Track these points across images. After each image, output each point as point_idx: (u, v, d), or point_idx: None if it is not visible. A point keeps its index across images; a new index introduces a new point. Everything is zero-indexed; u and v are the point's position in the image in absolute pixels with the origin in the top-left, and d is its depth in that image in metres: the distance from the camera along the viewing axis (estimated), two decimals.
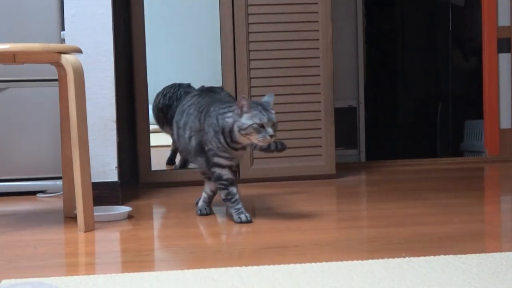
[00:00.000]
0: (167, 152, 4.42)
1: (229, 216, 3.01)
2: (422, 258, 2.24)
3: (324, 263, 2.20)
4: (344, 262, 2.21)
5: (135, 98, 4.09)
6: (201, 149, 3.03)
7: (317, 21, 4.13)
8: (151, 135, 4.14)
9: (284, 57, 4.12)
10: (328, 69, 4.13)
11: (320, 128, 4.17)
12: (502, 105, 4.88)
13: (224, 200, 3.00)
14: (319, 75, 4.13)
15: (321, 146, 4.18)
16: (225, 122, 2.91)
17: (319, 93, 4.14)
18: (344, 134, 5.00)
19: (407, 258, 2.24)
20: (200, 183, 3.25)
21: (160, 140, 4.31)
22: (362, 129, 5.15)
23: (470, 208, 3.27)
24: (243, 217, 2.94)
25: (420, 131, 7.12)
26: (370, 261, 2.22)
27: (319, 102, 4.15)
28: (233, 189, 2.97)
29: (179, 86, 4.31)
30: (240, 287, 1.96)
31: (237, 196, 2.97)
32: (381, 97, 7.02)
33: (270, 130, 2.84)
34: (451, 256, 2.26)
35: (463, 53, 6.97)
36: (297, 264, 2.18)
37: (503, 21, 4.85)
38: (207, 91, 3.24)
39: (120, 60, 4.01)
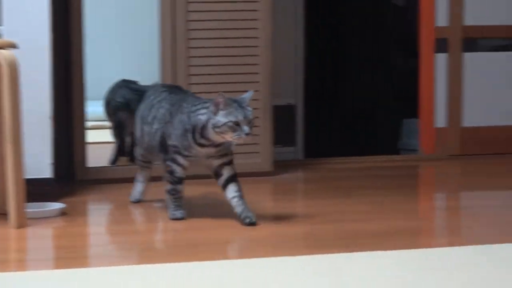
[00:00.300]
0: (105, 149, 4.38)
1: (166, 209, 2.99)
2: (355, 254, 2.26)
3: (255, 259, 2.21)
4: (277, 257, 2.23)
5: (72, 94, 4.05)
6: (162, 142, 2.98)
7: (257, 19, 4.13)
8: (89, 131, 4.10)
9: (224, 55, 4.12)
10: (267, 67, 4.15)
11: (258, 126, 4.17)
12: (438, 104, 4.94)
13: (167, 192, 2.98)
14: (258, 73, 4.15)
15: (258, 144, 4.19)
16: (197, 119, 2.86)
17: (257, 91, 4.15)
18: (283, 132, 5.02)
19: (340, 254, 2.27)
20: None
21: (97, 136, 4.28)
22: (300, 126, 5.18)
23: (404, 206, 3.32)
24: (178, 214, 2.93)
25: (359, 129, 7.18)
26: (304, 256, 2.24)
27: (258, 99, 4.15)
28: (180, 187, 2.96)
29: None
30: (171, 283, 1.96)
31: (180, 194, 2.96)
32: (322, 95, 7.07)
33: (246, 128, 2.78)
34: (382, 251, 2.29)
35: (403, 53, 7.05)
36: (228, 260, 2.19)
37: (440, 21, 4.91)
38: (175, 88, 3.22)
39: (57, 56, 3.96)
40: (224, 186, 2.92)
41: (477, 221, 2.98)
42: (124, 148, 4.35)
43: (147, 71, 4.41)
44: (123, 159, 4.32)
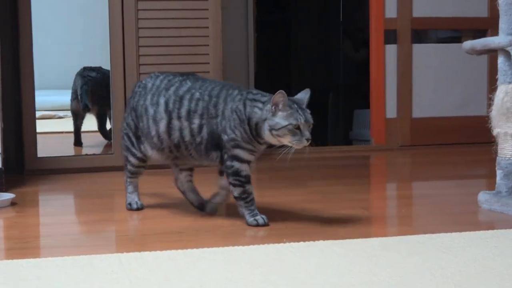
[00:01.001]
0: (56, 139, 4.36)
1: (241, 216, 2.66)
2: (301, 243, 2.29)
3: (205, 249, 2.23)
4: (225, 247, 2.24)
5: (21, 84, 4.01)
6: (213, 141, 2.64)
7: (207, 9, 4.13)
8: (38, 121, 4.07)
9: (174, 44, 4.12)
10: (218, 58, 4.16)
11: None
12: (388, 95, 5.00)
13: (236, 198, 2.64)
14: (208, 63, 4.15)
15: None
16: (253, 111, 2.55)
17: None
18: None
19: (287, 243, 2.29)
20: (91, 170, 3.21)
21: (47, 126, 4.25)
22: None
23: (353, 195, 3.35)
24: (259, 219, 2.61)
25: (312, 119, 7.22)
26: (251, 246, 2.26)
27: None
28: (249, 188, 2.64)
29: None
30: (119, 273, 1.97)
31: (252, 196, 2.64)
32: (273, 86, 7.10)
33: (307, 133, 2.52)
34: (329, 241, 2.32)
35: (354, 44, 7.12)
36: (179, 250, 2.20)
37: (390, 13, 4.96)
38: (191, 75, 2.81)
39: (5, 46, 3.92)
40: (221, 173, 2.75)
41: (426, 210, 3.03)
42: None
43: (97, 60, 4.39)
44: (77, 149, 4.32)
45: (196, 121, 2.65)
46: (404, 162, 4.67)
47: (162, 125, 2.71)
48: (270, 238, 2.39)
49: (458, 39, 5.05)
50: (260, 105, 2.56)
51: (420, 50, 5.03)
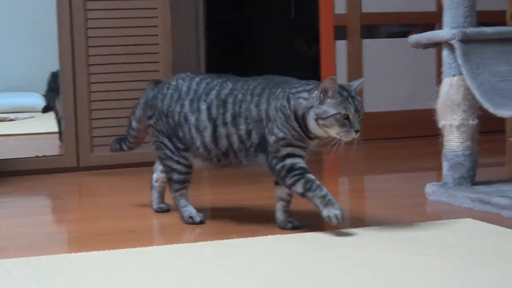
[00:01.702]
0: (7, 141, 4.32)
1: (315, 209, 2.38)
2: (250, 238, 2.31)
3: (155, 247, 2.23)
4: (174, 245, 2.25)
5: None
6: (262, 144, 2.43)
7: (156, 8, 4.13)
8: None
9: (124, 44, 4.10)
10: (168, 57, 4.15)
11: None
12: None
13: (303, 194, 2.36)
14: (158, 62, 4.14)
15: None
16: (298, 103, 2.34)
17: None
18: None
19: (236, 239, 2.31)
20: (42, 172, 3.19)
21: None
22: None
23: None
24: (333, 212, 2.30)
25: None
26: (200, 243, 2.27)
27: None
28: (310, 175, 2.36)
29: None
30: (69, 273, 1.97)
31: (318, 182, 2.36)
32: None
33: (356, 124, 2.32)
34: (279, 235, 2.35)
35: (306, 41, 7.16)
36: (128, 249, 2.20)
37: (339, 9, 5.00)
38: (229, 76, 2.59)
39: None
40: (278, 183, 2.48)
41: (377, 203, 3.06)
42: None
43: (48, 62, 4.36)
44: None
45: (243, 127, 2.44)
46: (356, 156, 4.70)
47: (207, 134, 2.48)
48: (220, 234, 2.40)
49: (407, 34, 5.06)
50: (305, 94, 2.34)
51: (370, 45, 5.08)
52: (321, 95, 2.30)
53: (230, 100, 2.46)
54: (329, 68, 5.02)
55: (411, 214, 2.75)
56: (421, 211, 2.88)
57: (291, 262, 2.02)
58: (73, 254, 2.18)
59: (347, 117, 2.30)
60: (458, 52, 2.83)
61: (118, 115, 4.01)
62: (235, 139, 2.45)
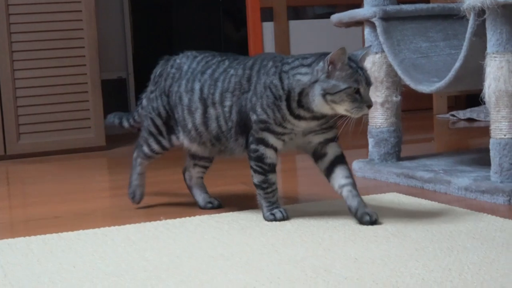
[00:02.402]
0: None
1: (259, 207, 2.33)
2: (178, 219, 2.31)
3: (80, 231, 2.22)
4: (101, 228, 2.24)
5: None
6: (242, 121, 2.25)
7: None
8: None
9: (48, 30, 4.05)
10: (93, 41, 4.11)
11: (88, 101, 4.15)
12: None
13: (256, 185, 2.27)
14: (83, 47, 4.11)
15: (89, 119, 4.17)
16: (295, 81, 2.14)
17: (84, 65, 4.12)
18: (115, 106, 5.00)
19: (164, 220, 2.31)
20: None
21: None
22: (132, 99, 5.18)
23: (235, 172, 3.39)
24: (277, 213, 2.25)
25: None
26: (127, 226, 2.26)
27: (85, 74, 4.13)
28: (272, 177, 2.25)
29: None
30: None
31: (274, 187, 2.27)
32: (153, 67, 7.07)
33: (368, 98, 2.11)
34: (205, 215, 2.35)
35: (234, 24, 7.16)
36: (53, 234, 2.19)
37: None
38: (232, 54, 2.41)
39: None
40: (330, 170, 2.24)
41: (308, 182, 3.09)
42: None
43: None
44: None
45: (228, 102, 2.27)
46: None
47: (198, 116, 2.33)
48: (148, 217, 2.40)
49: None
50: (304, 69, 2.14)
51: (297, 27, 5.11)
52: (329, 67, 2.09)
53: (222, 77, 2.30)
54: (257, 50, 5.04)
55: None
56: None
57: (213, 241, 2.04)
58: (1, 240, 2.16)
59: (358, 91, 2.09)
60: (379, 30, 2.86)
61: (44, 101, 3.98)
62: (222, 120, 2.29)
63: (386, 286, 1.59)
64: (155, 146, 2.49)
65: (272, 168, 2.24)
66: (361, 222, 2.16)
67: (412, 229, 2.06)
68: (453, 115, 5.07)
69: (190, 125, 2.36)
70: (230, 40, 7.15)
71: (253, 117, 2.20)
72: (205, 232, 2.14)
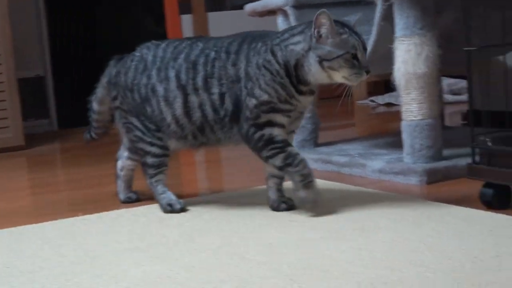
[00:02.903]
0: None
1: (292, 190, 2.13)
2: (95, 214, 2.30)
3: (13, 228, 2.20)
4: (18, 227, 2.22)
5: None
6: (239, 111, 2.10)
7: None
8: None
9: None
10: (8, 40, 4.05)
11: (5, 100, 4.09)
12: None
13: (282, 167, 2.08)
14: None
15: (7, 118, 4.11)
16: (288, 51, 2.04)
17: (0, 64, 4.05)
18: (34, 105, 4.95)
19: (81, 216, 2.30)
20: None
21: None
22: (51, 98, 5.12)
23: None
24: (310, 197, 2.08)
25: None
26: (44, 223, 2.24)
27: (1, 73, 4.07)
28: (292, 149, 2.08)
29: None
30: None
31: (300, 157, 2.07)
32: (71, 64, 6.98)
33: (366, 63, 2.01)
34: (123, 209, 2.35)
35: (154, 18, 7.12)
36: None
37: None
38: (200, 37, 2.32)
39: None
40: None
41: (236, 169, 3.10)
42: None
43: None
44: None
45: (216, 90, 2.12)
46: None
47: (178, 106, 2.16)
48: (65, 213, 2.39)
49: None
50: (296, 38, 2.05)
51: (215, 18, 5.12)
52: (315, 31, 1.99)
53: (201, 60, 2.14)
54: None
55: (256, 180, 2.80)
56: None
57: (130, 233, 2.04)
58: None
59: (355, 57, 1.99)
60: (291, 18, 2.89)
61: None
62: (208, 108, 2.13)
63: (297, 268, 1.61)
64: (153, 149, 2.26)
65: (286, 143, 2.08)
66: (278, 209, 2.17)
67: (327, 212, 2.10)
68: (372, 101, 5.15)
69: (169, 118, 2.19)
70: (150, 35, 7.11)
71: (252, 102, 2.06)
72: (122, 226, 2.14)
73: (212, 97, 2.12)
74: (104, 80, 2.38)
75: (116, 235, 2.04)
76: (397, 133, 2.61)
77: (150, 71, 2.21)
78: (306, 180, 2.06)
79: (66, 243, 2.00)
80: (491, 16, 2.14)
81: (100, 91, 2.40)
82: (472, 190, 2.15)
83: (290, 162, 2.06)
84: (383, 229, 1.88)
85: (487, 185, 2.06)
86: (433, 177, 2.44)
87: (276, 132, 2.06)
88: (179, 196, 2.31)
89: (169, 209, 2.24)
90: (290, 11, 2.90)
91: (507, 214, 1.97)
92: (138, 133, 2.26)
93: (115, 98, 2.32)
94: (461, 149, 2.52)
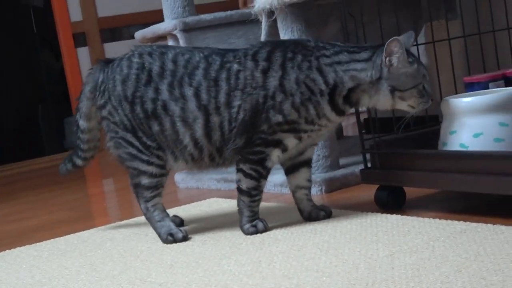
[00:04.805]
0: None
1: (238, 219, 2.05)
2: (7, 251, 2.29)
3: None
4: None
5: None
6: (250, 121, 1.95)
7: None
8: None
9: None
10: None
11: None
12: None
13: (242, 191, 2.00)
14: None
15: None
16: (348, 77, 1.93)
17: None
18: None
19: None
20: None
21: None
22: None
23: (60, 198, 3.38)
24: (259, 224, 2.01)
25: (25, 133, 7.11)
26: None
27: None
28: (263, 184, 2.02)
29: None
30: None
31: (261, 196, 2.03)
32: None
33: (431, 92, 1.95)
34: (26, 246, 2.33)
35: (53, 52, 7.06)
36: None
37: (75, 16, 4.99)
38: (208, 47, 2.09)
39: None
40: (296, 167, 2.08)
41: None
42: None
43: None
44: None
45: (237, 102, 1.95)
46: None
47: (198, 127, 1.97)
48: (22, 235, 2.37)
49: None
50: (360, 65, 1.94)
51: (112, 48, 5.11)
52: (386, 59, 1.90)
53: (223, 75, 1.96)
54: (75, 76, 5.01)
55: (165, 202, 2.82)
56: (173, 198, 2.94)
57: (32, 269, 2.02)
58: None
59: (424, 86, 1.94)
60: (181, 41, 2.92)
61: None
62: (226, 125, 1.96)
63: (199, 286, 1.63)
64: (150, 168, 2.04)
65: (267, 174, 2.00)
66: (318, 219, 2.07)
67: (228, 229, 2.12)
68: None
69: (187, 140, 1.99)
70: (51, 69, 7.05)
71: (276, 118, 1.93)
72: (23, 262, 2.12)
73: (231, 111, 1.95)
74: (87, 88, 2.11)
75: (18, 271, 2.02)
76: None
77: (157, 84, 1.99)
78: (253, 217, 2.02)
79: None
80: (375, 23, 2.19)
81: (85, 104, 2.13)
82: (369, 194, 2.21)
83: (254, 194, 2.00)
84: (281, 241, 1.91)
85: (381, 188, 2.12)
86: (332, 186, 2.49)
87: (274, 156, 1.98)
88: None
89: (171, 239, 2.05)
90: (179, 35, 2.92)
91: (401, 214, 2.03)
92: (132, 150, 2.04)
93: (102, 107, 2.06)
94: (358, 156, 2.58)
